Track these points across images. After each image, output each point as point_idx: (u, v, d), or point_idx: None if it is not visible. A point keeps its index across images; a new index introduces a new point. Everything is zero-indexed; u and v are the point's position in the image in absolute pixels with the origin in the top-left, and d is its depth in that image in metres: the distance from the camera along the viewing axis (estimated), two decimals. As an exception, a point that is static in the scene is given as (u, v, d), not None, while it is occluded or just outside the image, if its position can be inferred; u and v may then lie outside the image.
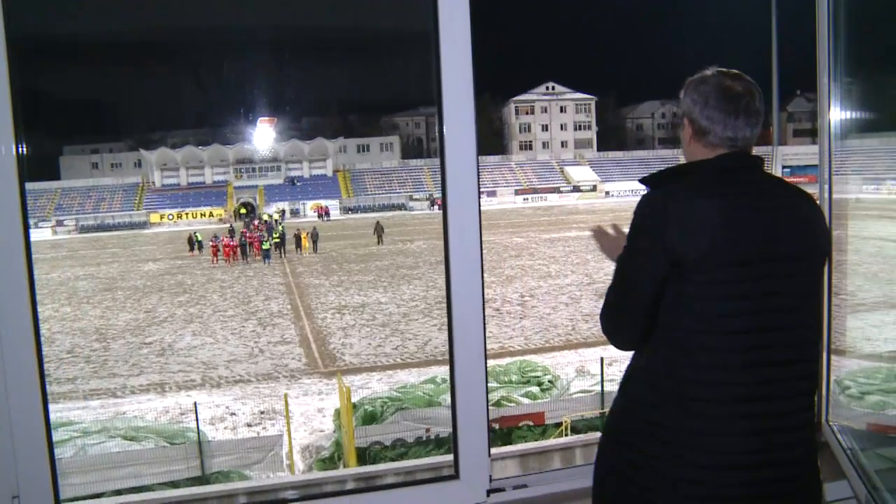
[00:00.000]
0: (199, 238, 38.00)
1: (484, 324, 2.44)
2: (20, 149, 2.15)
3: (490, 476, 2.53)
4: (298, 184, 66.11)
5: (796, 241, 1.67)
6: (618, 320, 1.78)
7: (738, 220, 1.62)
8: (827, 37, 2.56)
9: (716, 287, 1.61)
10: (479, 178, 2.45)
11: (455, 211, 2.39)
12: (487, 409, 2.53)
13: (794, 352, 1.66)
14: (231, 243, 34.60)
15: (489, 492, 2.53)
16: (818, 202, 2.69)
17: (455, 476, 2.52)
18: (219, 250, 33.93)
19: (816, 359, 1.74)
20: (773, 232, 1.64)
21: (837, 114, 2.67)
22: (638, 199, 1.72)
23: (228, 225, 48.61)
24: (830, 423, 2.76)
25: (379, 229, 38.50)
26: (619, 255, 1.77)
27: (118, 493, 10.15)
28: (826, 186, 2.71)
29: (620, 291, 1.75)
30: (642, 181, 1.74)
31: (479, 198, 2.45)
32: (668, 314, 1.66)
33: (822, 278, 1.74)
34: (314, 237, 36.26)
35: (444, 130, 2.37)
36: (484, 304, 2.44)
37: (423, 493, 2.58)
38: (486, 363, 2.49)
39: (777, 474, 1.64)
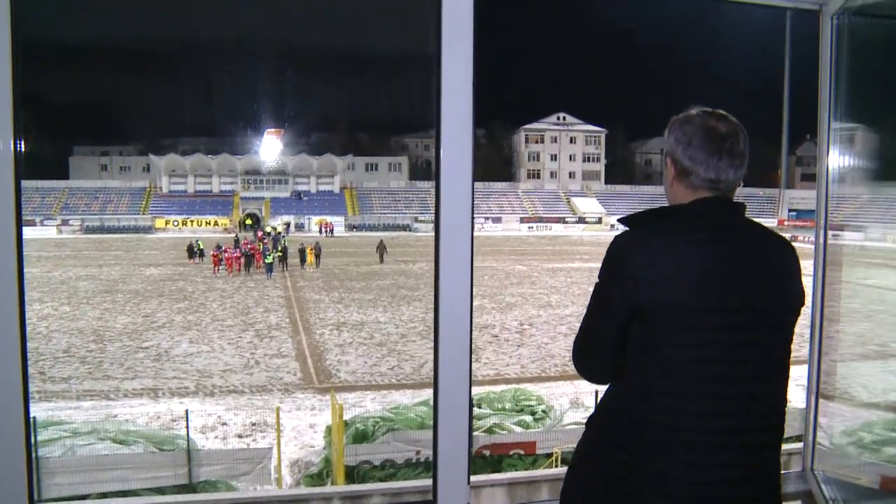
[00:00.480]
0: (202, 246, 37.89)
1: (471, 350, 2.42)
2: (18, 145, 2.15)
3: (469, 504, 2.50)
4: (305, 198, 66.24)
5: (771, 291, 1.64)
6: (585, 355, 1.77)
7: (712, 268, 1.60)
8: (829, 84, 2.56)
9: (687, 333, 1.58)
10: (473, 207, 2.41)
11: (447, 237, 2.38)
12: (470, 439, 2.50)
13: (768, 403, 1.64)
14: (235, 255, 34.47)
15: (466, 521, 2.50)
16: (814, 246, 2.69)
17: (433, 503, 2.49)
18: (220, 261, 33.79)
19: (784, 408, 1.70)
20: (748, 280, 1.61)
21: (836, 159, 2.65)
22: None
23: (234, 235, 48.65)
24: (815, 472, 2.71)
25: (382, 248, 38.51)
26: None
27: (104, 495, 10.09)
28: (822, 232, 2.68)
29: (587, 327, 1.75)
30: (621, 221, 1.72)
31: (473, 226, 2.42)
32: (641, 346, 1.64)
33: (794, 327, 1.70)
34: (317, 252, 36.26)
35: (441, 155, 2.37)
36: (472, 331, 2.42)
37: (399, 519, 2.56)
38: (470, 392, 2.46)
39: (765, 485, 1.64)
